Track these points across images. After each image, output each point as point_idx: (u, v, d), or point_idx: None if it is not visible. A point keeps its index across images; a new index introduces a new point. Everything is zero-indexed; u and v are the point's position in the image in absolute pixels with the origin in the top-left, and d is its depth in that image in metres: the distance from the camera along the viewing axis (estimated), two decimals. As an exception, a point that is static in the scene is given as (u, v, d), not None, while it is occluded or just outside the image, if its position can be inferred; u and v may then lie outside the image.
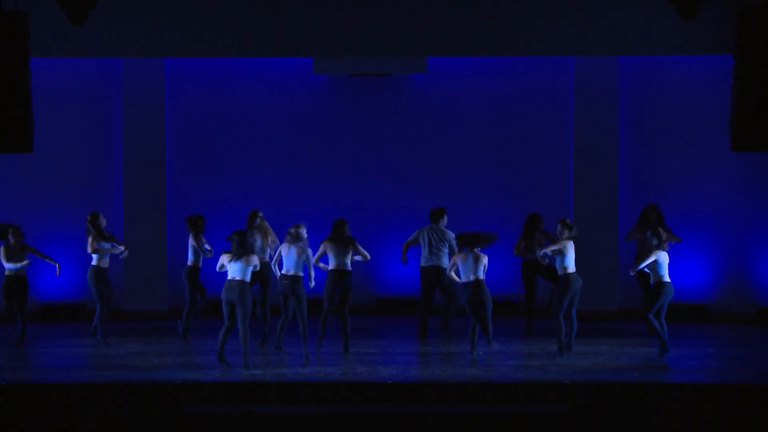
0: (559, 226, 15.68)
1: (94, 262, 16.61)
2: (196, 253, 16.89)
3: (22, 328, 16.74)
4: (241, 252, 14.90)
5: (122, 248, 16.96)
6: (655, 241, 15.38)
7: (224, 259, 15.03)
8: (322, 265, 16.41)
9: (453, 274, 15.85)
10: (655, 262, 15.29)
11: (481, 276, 15.58)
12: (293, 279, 15.63)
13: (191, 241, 16.94)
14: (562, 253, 15.42)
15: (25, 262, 16.82)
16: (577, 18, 17.75)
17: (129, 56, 18.68)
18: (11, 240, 16.91)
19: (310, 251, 15.71)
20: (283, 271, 15.74)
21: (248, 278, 14.97)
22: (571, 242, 15.51)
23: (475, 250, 15.59)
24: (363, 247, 16.15)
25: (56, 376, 14.58)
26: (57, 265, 17.03)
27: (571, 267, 15.43)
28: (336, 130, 19.99)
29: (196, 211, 19.44)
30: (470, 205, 19.83)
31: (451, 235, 16.81)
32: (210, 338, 17.25)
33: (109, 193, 19.72)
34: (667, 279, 15.34)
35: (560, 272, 15.43)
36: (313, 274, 15.76)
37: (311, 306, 16.28)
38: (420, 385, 14.01)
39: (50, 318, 19.34)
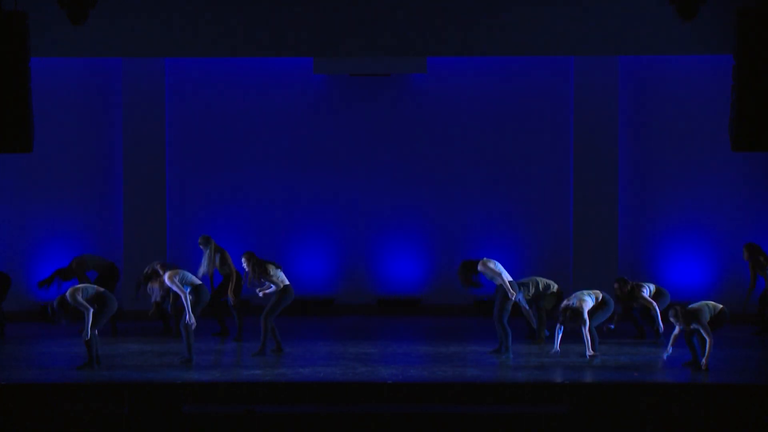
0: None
1: None
2: None
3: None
4: None
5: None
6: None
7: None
8: None
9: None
10: None
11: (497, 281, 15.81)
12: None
13: None
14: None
15: None
16: (577, 18, 17.75)
17: (129, 56, 18.68)
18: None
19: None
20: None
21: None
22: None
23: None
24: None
25: (56, 376, 14.57)
26: None
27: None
28: (336, 130, 19.99)
29: (195, 209, 19.45)
30: (470, 205, 19.83)
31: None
32: (210, 338, 17.26)
33: (109, 193, 19.71)
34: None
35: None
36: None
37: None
38: (420, 385, 14.00)
39: (50, 318, 19.30)
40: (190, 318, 15.16)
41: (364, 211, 19.97)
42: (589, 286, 16.38)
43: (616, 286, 16.81)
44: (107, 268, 17.74)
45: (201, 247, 17.40)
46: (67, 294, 14.83)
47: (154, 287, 15.73)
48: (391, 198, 19.96)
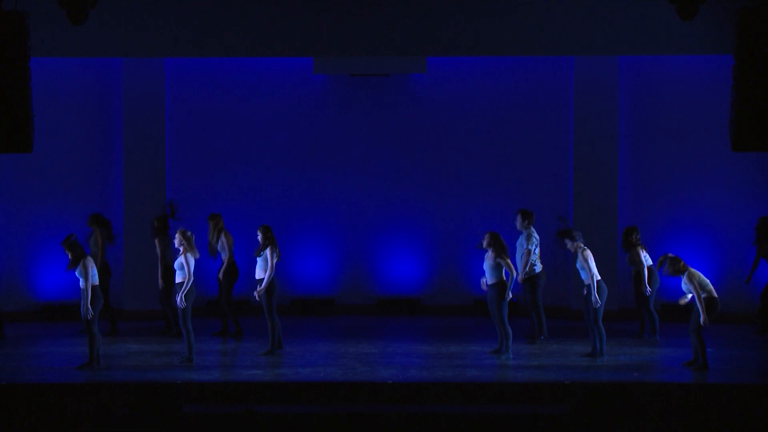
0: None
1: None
2: None
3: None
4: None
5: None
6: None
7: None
8: None
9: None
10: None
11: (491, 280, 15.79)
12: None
13: None
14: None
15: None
16: (577, 18, 17.75)
17: (129, 56, 18.68)
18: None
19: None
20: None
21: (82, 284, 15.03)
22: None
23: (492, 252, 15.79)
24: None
25: (56, 376, 14.58)
26: None
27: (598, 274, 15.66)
28: (336, 130, 19.99)
29: (195, 209, 19.45)
30: (470, 205, 19.84)
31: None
32: (210, 338, 17.26)
33: (109, 193, 19.72)
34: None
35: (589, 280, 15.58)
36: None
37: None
38: (420, 385, 14.01)
39: (50, 318, 19.34)
40: (181, 302, 15.22)
41: (364, 211, 19.98)
42: (589, 286, 16.40)
43: (624, 231, 17.27)
44: (100, 264, 17.61)
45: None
46: (84, 258, 14.95)
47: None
48: (391, 198, 19.97)
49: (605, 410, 13.50)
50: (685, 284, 14.79)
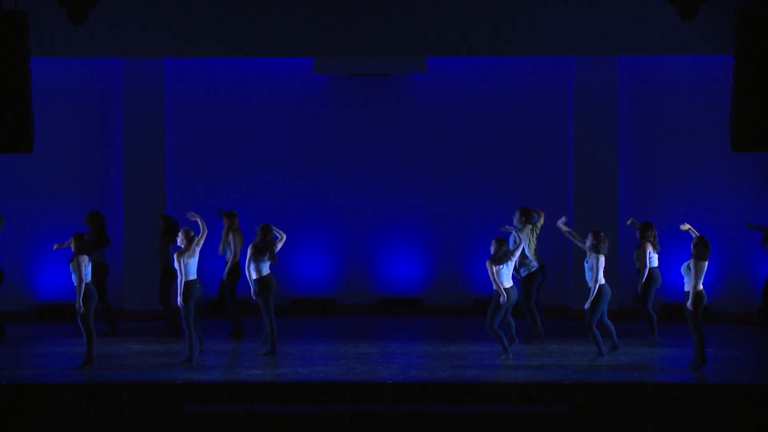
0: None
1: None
2: None
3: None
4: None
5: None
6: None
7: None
8: None
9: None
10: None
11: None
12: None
13: None
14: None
15: None
16: (577, 18, 17.76)
17: (129, 56, 18.68)
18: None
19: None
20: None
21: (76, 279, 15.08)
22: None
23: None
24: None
25: (56, 376, 14.58)
26: None
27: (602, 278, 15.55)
28: (336, 130, 19.99)
29: (195, 209, 19.45)
30: (470, 205, 19.84)
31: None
32: (210, 338, 17.26)
33: (109, 193, 19.72)
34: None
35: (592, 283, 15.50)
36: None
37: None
38: (420, 385, 14.00)
39: (50, 318, 19.33)
40: (181, 303, 15.28)
41: (364, 210, 19.97)
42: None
43: (640, 226, 17.10)
44: (97, 264, 17.54)
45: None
46: (80, 255, 14.99)
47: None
48: (391, 198, 19.96)
49: (605, 410, 13.51)
50: (690, 269, 14.86)
